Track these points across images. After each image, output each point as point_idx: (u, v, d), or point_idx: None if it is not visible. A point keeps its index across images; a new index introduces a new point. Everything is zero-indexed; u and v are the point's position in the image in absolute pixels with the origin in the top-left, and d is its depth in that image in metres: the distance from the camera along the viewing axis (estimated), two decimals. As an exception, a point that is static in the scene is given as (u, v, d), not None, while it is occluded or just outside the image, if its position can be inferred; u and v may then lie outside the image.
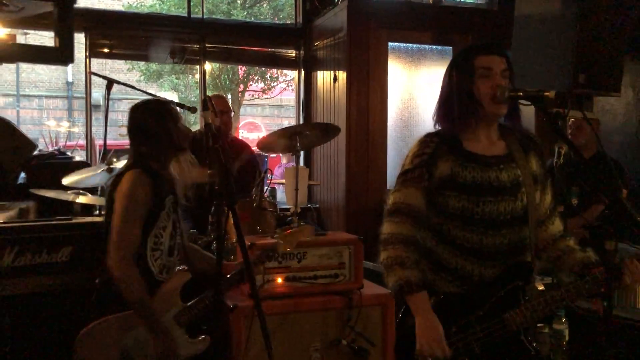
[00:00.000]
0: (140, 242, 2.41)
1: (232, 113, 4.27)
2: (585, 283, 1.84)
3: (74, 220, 3.48)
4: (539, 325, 3.11)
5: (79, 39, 5.98)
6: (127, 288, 2.32)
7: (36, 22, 4.68)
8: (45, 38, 4.04)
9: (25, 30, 8.67)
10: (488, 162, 1.91)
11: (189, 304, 2.47)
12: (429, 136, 1.98)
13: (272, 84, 15.21)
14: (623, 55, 3.24)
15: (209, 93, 14.16)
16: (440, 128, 1.99)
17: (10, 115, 15.91)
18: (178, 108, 3.18)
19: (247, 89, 15.29)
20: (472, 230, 1.87)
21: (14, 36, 4.20)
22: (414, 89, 5.58)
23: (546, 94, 1.70)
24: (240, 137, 15.19)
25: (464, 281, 1.89)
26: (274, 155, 13.30)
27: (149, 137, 2.51)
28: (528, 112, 2.01)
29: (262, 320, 1.57)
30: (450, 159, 1.89)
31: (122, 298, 2.33)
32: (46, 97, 17.04)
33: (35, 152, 4.56)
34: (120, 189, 2.41)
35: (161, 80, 15.14)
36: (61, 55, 3.75)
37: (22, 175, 4.47)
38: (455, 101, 1.90)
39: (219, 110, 4.08)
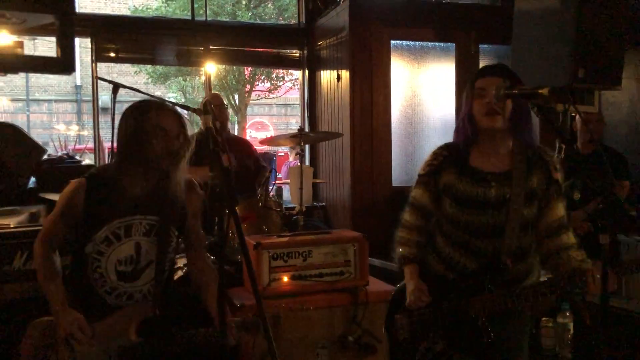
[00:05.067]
0: (68, 241, 2.24)
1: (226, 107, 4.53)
2: (542, 286, 2.04)
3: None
4: (543, 319, 3.13)
5: (86, 43, 6.06)
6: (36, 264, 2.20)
7: (43, 30, 4.74)
8: (54, 43, 4.09)
9: (34, 37, 8.77)
10: (482, 177, 2.16)
11: (138, 341, 2.11)
12: (440, 148, 2.31)
13: (278, 84, 15.26)
14: (624, 48, 3.23)
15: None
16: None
17: (20, 120, 16.12)
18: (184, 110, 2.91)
19: (254, 89, 15.33)
20: (460, 232, 2.21)
21: (21, 43, 4.24)
22: (417, 86, 5.59)
23: (540, 91, 1.72)
24: (247, 137, 15.32)
25: (448, 266, 2.25)
26: (282, 153, 13.36)
27: (119, 143, 2.27)
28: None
29: (265, 325, 1.61)
30: (452, 171, 2.21)
31: None
32: (55, 101, 17.21)
33: (45, 157, 4.63)
34: None
35: (168, 82, 15.22)
36: (62, 65, 3.81)
37: (32, 180, 4.54)
38: (463, 120, 2.21)
39: (215, 105, 4.21)
